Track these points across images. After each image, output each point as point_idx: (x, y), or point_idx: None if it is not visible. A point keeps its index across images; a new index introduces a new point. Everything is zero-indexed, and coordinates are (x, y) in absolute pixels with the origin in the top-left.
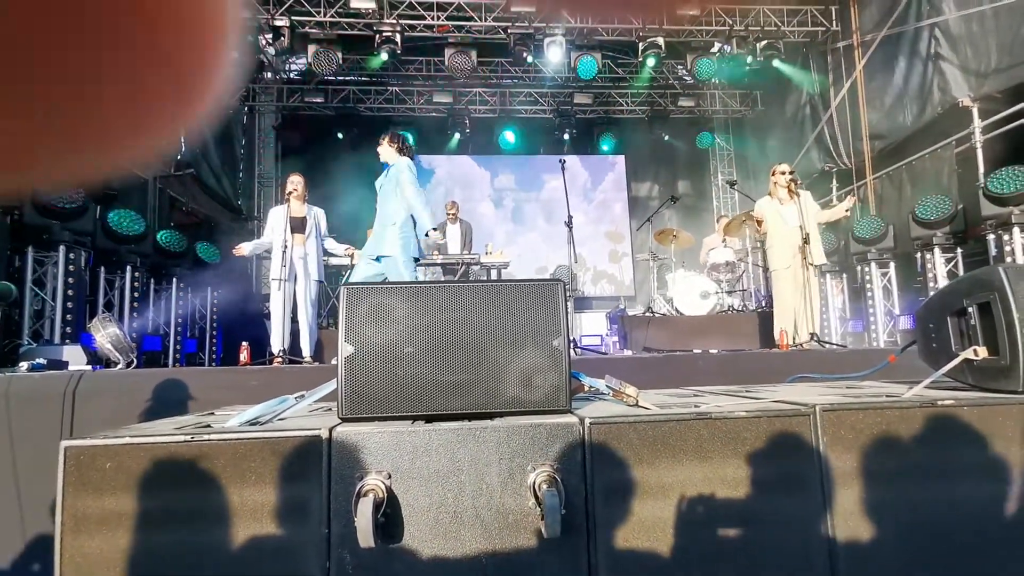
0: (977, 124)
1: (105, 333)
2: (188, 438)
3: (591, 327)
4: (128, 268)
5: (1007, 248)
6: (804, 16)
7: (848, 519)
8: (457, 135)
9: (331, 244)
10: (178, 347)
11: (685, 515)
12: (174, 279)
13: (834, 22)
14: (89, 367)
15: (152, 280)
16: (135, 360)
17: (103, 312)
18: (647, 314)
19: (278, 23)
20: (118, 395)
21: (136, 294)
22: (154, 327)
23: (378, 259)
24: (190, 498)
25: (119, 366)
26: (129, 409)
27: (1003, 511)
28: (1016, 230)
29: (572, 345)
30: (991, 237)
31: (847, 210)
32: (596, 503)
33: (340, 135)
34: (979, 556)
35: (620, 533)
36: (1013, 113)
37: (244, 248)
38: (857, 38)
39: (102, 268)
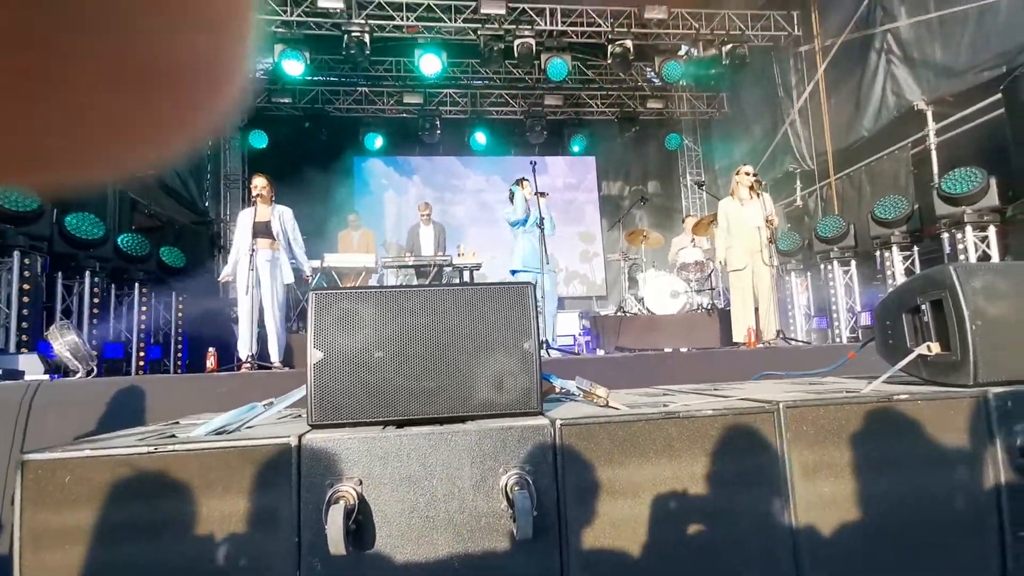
0: (931, 127)
1: (63, 341)
2: (152, 449)
3: (564, 327)
4: (87, 273)
5: (960, 246)
6: (767, 21)
7: (810, 512)
8: (424, 137)
9: (300, 256)
10: (141, 354)
11: (655, 513)
12: (136, 284)
13: (796, 27)
14: (47, 377)
15: (113, 286)
16: (95, 368)
17: (61, 319)
18: (619, 314)
19: None
20: (78, 405)
21: (96, 300)
22: (115, 334)
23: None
24: (155, 511)
25: (78, 375)
26: (90, 420)
27: (955, 500)
28: (968, 229)
29: (544, 346)
30: (945, 236)
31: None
32: (567, 504)
33: (307, 124)
34: (935, 543)
35: (591, 533)
36: (964, 116)
37: (226, 276)
38: (818, 43)
39: (59, 274)
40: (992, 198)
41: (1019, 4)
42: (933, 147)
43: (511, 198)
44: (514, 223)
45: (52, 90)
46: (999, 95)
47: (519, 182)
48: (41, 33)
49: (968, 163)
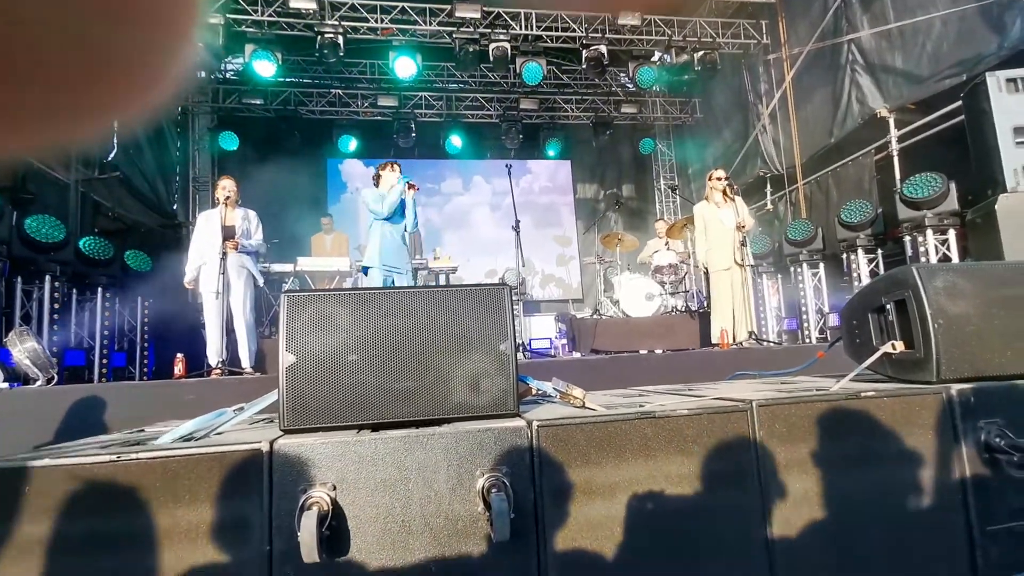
0: (893, 133)
1: (22, 348)
2: (114, 457)
3: (540, 330)
4: (47, 278)
5: (921, 249)
6: (737, 29)
7: (783, 508)
8: (399, 140)
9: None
10: (104, 361)
11: (631, 513)
12: (100, 289)
13: (765, 35)
14: (5, 385)
15: (75, 290)
16: (56, 376)
17: (20, 325)
18: (594, 316)
19: (211, 20)
20: (37, 414)
21: (57, 305)
22: (77, 340)
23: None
24: (118, 522)
25: (38, 383)
26: (50, 429)
27: (924, 496)
28: (929, 232)
29: (521, 349)
30: (907, 239)
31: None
32: (545, 505)
33: (281, 126)
34: (906, 540)
35: (569, 534)
36: (925, 123)
37: (190, 280)
38: (786, 51)
39: (18, 278)
40: (952, 202)
41: (975, 14)
42: (895, 153)
43: (376, 181)
44: (378, 215)
45: None
46: (959, 103)
47: (390, 165)
48: None
49: (929, 168)
